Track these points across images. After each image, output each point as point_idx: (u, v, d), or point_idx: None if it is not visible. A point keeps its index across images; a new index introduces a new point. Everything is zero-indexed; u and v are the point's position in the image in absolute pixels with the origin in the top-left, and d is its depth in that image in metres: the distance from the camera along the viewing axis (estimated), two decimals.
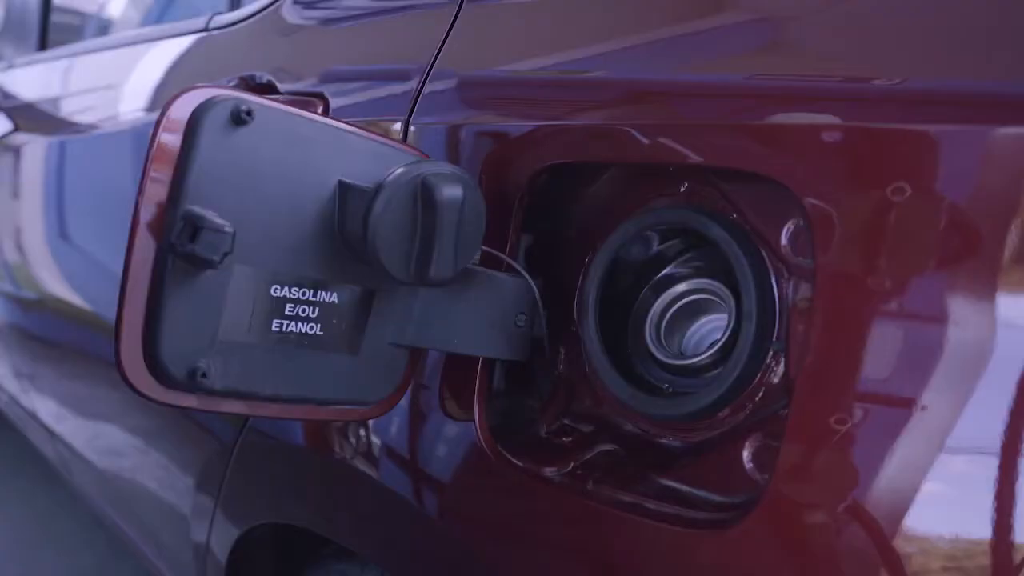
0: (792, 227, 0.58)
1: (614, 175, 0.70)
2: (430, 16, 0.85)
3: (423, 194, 0.60)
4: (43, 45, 2.03)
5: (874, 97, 0.54)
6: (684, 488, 0.61)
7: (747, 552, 0.54)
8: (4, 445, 2.59)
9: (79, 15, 2.29)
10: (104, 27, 2.23)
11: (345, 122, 0.66)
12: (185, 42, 1.23)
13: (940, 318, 0.49)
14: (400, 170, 0.61)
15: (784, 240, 0.59)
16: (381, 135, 0.69)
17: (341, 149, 0.63)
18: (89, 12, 2.26)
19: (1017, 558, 0.46)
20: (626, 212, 0.68)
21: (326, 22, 1.06)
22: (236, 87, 1.00)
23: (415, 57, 0.82)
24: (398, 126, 0.79)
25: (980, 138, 0.49)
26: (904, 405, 0.50)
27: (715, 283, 0.67)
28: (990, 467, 0.47)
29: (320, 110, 0.87)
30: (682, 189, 0.66)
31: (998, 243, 0.48)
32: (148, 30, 1.52)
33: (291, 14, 1.09)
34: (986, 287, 0.49)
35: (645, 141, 0.64)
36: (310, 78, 0.96)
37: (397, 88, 0.82)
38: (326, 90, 0.89)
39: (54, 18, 2.08)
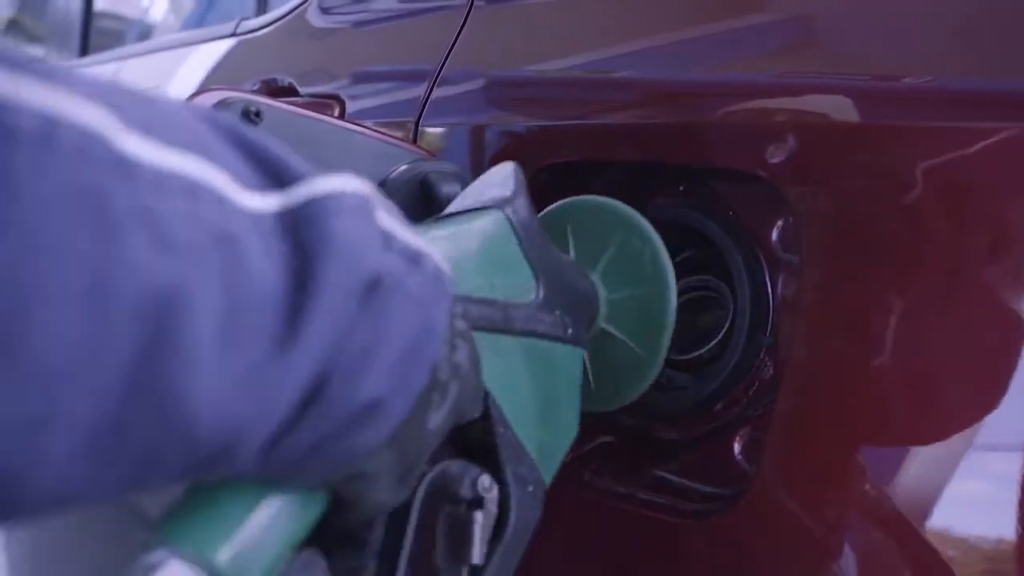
0: (782, 224, 0.60)
1: (613, 174, 0.72)
2: (442, 19, 0.87)
3: (423, 191, 0.63)
4: (84, 51, 2.10)
5: (862, 94, 0.55)
6: (678, 480, 0.63)
7: (733, 542, 0.55)
8: None
9: (121, 20, 2.35)
10: (146, 32, 2.29)
11: (353, 123, 0.68)
12: (216, 47, 1.26)
13: (925, 314, 0.50)
14: (403, 167, 0.64)
15: (775, 237, 0.60)
16: (387, 135, 0.71)
17: (346, 148, 0.65)
18: (130, 17, 2.32)
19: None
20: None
21: (347, 26, 1.08)
22: (258, 90, 1.04)
23: (427, 59, 0.84)
24: (409, 127, 0.81)
25: (968, 135, 0.50)
26: (887, 400, 0.51)
27: (712, 279, 0.68)
28: (964, 460, 0.48)
29: (336, 112, 0.90)
30: (680, 188, 0.67)
31: (981, 238, 0.49)
32: (180, 36, 1.56)
33: (315, 18, 1.12)
34: (969, 283, 0.50)
35: (642, 141, 0.66)
36: (329, 80, 0.98)
37: (409, 89, 0.84)
38: (343, 92, 0.92)
39: (96, 24, 2.14)
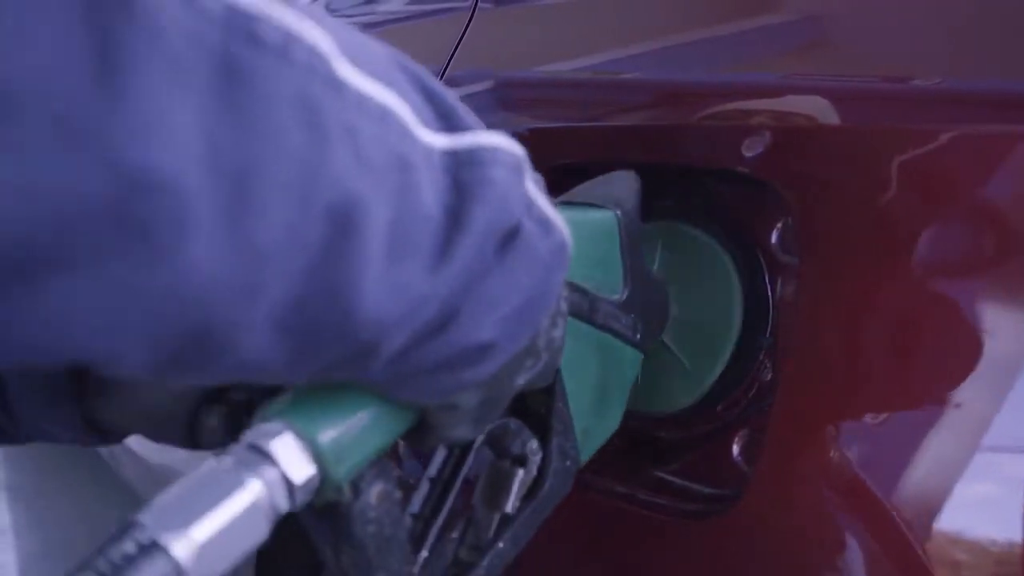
0: (781, 226, 0.60)
1: None
2: (448, 22, 0.88)
3: None
4: None
5: (861, 96, 0.55)
6: (678, 480, 0.63)
7: (730, 542, 0.55)
8: None
9: None
10: None
11: None
12: None
13: (923, 317, 0.50)
14: None
15: (774, 239, 0.60)
16: None
17: None
18: None
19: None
20: None
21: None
22: None
23: (432, 62, 0.85)
24: None
25: (967, 138, 0.50)
26: (884, 401, 0.51)
27: None
28: (966, 461, 0.48)
29: None
30: (682, 189, 0.67)
31: (984, 240, 0.50)
32: None
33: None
34: (970, 286, 0.50)
35: (645, 142, 0.66)
36: None
37: None
38: None
39: None
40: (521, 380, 0.42)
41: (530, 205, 0.37)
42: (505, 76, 0.78)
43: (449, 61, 0.82)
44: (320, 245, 0.27)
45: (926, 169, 0.51)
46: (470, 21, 0.83)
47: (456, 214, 0.32)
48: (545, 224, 0.38)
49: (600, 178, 0.60)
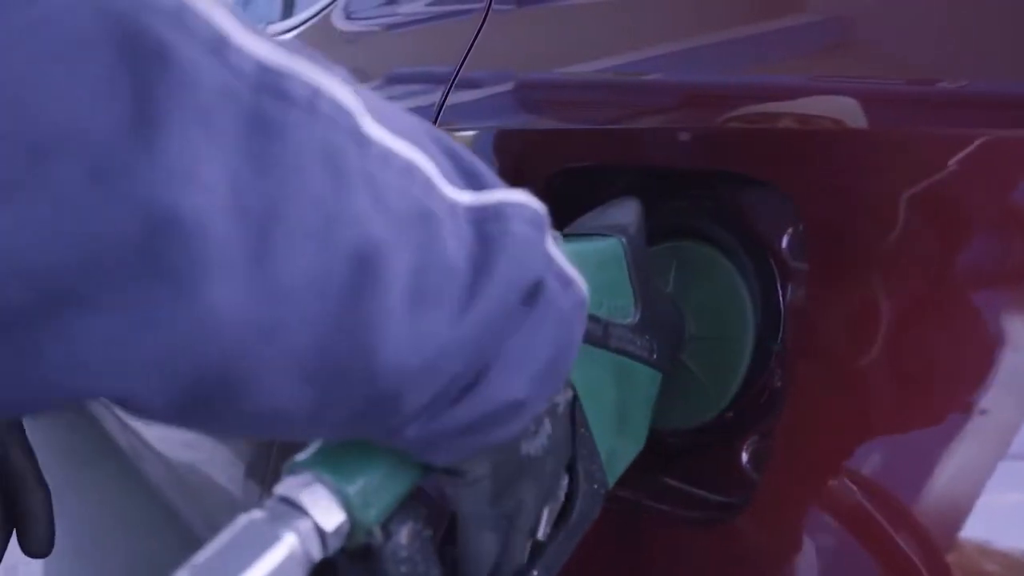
0: (792, 231, 0.59)
1: (629, 179, 0.71)
2: (465, 23, 0.88)
3: None
4: None
5: (873, 99, 0.54)
6: (685, 487, 0.62)
7: (736, 550, 0.55)
8: (83, 433, 2.71)
9: None
10: None
11: None
12: None
13: (931, 324, 0.49)
14: None
15: (784, 244, 0.59)
16: None
17: None
18: None
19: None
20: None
21: (371, 30, 1.09)
22: None
23: (448, 63, 0.85)
24: None
25: (989, 143, 0.49)
26: (897, 408, 0.50)
27: None
28: (977, 469, 0.47)
29: None
30: (693, 193, 0.67)
31: (1002, 246, 0.48)
32: None
33: (339, 23, 1.12)
34: (990, 291, 0.49)
35: (656, 146, 0.66)
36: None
37: (426, 93, 0.85)
38: None
39: None
40: (527, 449, 0.43)
41: (551, 261, 0.38)
42: (527, 77, 0.77)
43: (463, 61, 0.82)
44: (342, 289, 0.28)
45: (944, 174, 0.50)
46: (484, 22, 0.82)
47: (480, 265, 0.33)
48: (565, 280, 0.39)
49: (600, 208, 0.61)
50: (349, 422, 0.34)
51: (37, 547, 0.85)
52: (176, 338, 0.25)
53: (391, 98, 0.93)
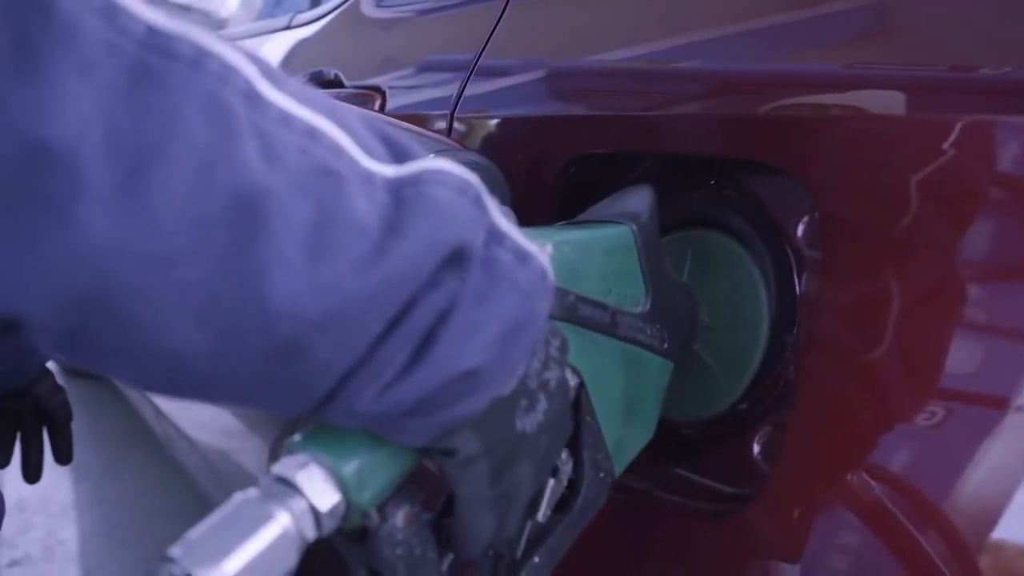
0: (807, 219, 0.58)
1: (646, 166, 0.70)
2: (491, 10, 0.87)
3: None
4: None
5: (884, 85, 0.53)
6: (696, 478, 0.61)
7: (746, 541, 0.54)
8: (123, 422, 2.76)
9: (194, 12, 2.39)
10: (219, 27, 2.34)
11: (381, 114, 0.69)
12: (271, 40, 1.29)
13: (945, 314, 0.48)
14: None
15: (800, 233, 0.58)
16: (413, 126, 0.71)
17: None
18: (202, 9, 2.37)
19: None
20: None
21: (400, 16, 1.09)
22: (306, 83, 1.05)
23: (465, 51, 0.84)
24: (444, 119, 0.81)
25: (991, 128, 0.47)
26: (903, 402, 0.49)
27: None
28: (988, 463, 0.46)
29: (378, 103, 0.90)
30: (711, 182, 0.66)
31: (1008, 237, 0.47)
32: (236, 31, 1.59)
33: (369, 10, 1.12)
34: (995, 282, 0.47)
35: (674, 133, 0.64)
36: (375, 72, 0.99)
37: (446, 81, 0.84)
38: (386, 83, 0.93)
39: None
40: (524, 425, 0.43)
41: (499, 235, 0.39)
42: (559, 65, 0.77)
43: (484, 45, 0.81)
44: (225, 230, 0.30)
45: (964, 163, 0.48)
46: (505, 8, 0.82)
47: (392, 225, 0.34)
48: (520, 254, 0.40)
49: (614, 195, 0.61)
50: (265, 380, 0.34)
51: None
52: (55, 261, 0.27)
53: (420, 86, 0.93)
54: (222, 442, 1.60)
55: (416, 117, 0.84)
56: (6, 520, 2.32)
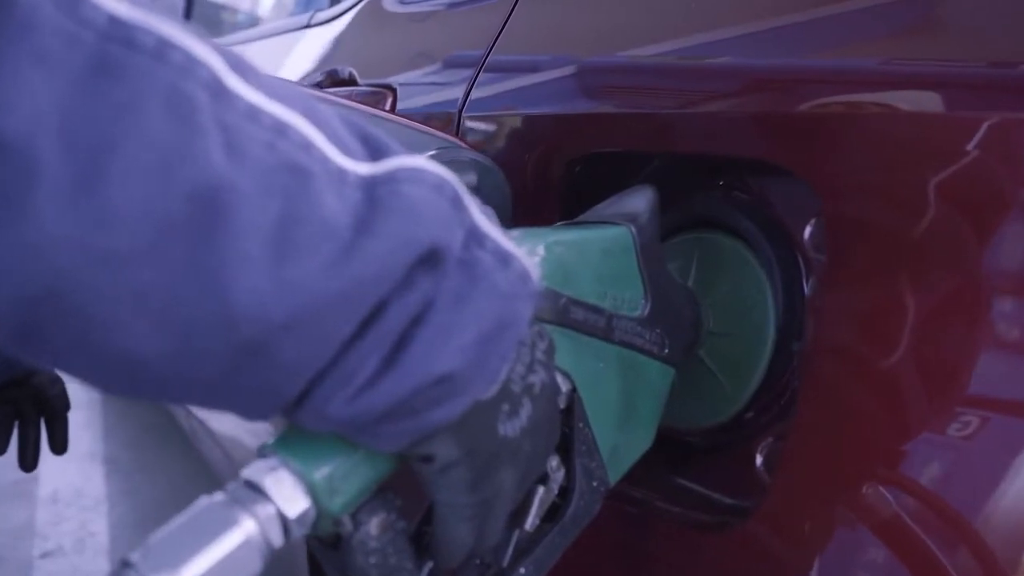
0: (814, 223, 0.56)
1: (655, 166, 0.69)
2: (501, 6, 0.86)
3: None
4: None
5: (892, 83, 0.50)
6: (697, 488, 0.60)
7: (748, 554, 0.52)
8: (152, 417, 2.79)
9: (228, 10, 2.41)
10: (253, 24, 2.35)
11: (388, 112, 0.68)
12: (292, 38, 1.29)
13: (954, 322, 0.46)
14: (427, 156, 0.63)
15: (806, 236, 0.56)
16: (418, 124, 0.70)
17: None
18: (237, 7, 2.39)
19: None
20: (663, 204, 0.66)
21: (410, 14, 1.08)
22: (322, 81, 1.05)
23: (475, 48, 0.83)
24: (453, 117, 0.80)
25: (1009, 128, 0.45)
26: (911, 409, 0.47)
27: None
28: (994, 472, 0.43)
29: (389, 101, 0.90)
30: (720, 183, 0.64)
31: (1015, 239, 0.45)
32: (259, 29, 1.59)
33: (389, 5, 1.12)
34: (1008, 289, 0.45)
35: (683, 132, 0.63)
36: (387, 70, 0.98)
37: (455, 79, 0.83)
38: (397, 81, 0.92)
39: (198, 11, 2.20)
40: (506, 430, 0.41)
41: (479, 235, 0.38)
42: (569, 63, 0.75)
43: (494, 43, 0.80)
44: (184, 227, 0.29)
45: (971, 162, 0.46)
46: (515, 6, 0.80)
47: (364, 224, 0.33)
48: (501, 255, 0.39)
49: (615, 196, 0.59)
50: (230, 382, 0.33)
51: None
52: (7, 254, 0.27)
53: (431, 83, 0.92)
54: (247, 441, 1.61)
55: (425, 115, 0.83)
56: (39, 511, 2.36)
